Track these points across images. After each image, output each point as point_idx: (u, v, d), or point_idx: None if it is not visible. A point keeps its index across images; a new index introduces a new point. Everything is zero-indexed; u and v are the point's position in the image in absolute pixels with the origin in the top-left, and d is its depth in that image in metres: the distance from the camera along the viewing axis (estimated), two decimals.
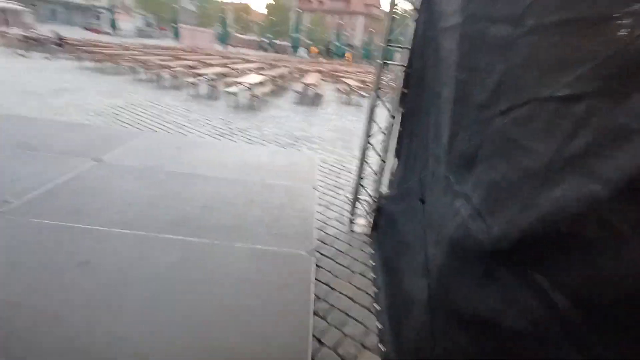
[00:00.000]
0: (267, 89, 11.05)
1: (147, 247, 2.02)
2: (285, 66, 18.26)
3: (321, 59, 49.03)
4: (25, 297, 1.45)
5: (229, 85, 10.29)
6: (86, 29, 44.03)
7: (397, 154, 3.69)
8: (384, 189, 3.99)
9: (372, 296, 3.08)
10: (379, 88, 3.65)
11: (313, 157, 4.23)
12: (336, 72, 19.98)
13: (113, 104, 8.26)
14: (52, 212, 2.21)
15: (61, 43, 16.17)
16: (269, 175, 3.41)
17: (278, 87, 13.23)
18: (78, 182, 2.72)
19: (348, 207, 4.32)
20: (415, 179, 2.90)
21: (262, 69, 15.83)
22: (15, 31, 17.13)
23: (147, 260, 1.89)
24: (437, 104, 2.60)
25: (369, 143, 3.88)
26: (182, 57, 16.39)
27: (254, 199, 2.84)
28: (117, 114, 7.44)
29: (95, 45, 15.29)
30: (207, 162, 3.52)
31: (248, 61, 18.72)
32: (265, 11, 63.69)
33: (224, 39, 34.06)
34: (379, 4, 70.61)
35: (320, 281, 3.15)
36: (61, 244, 1.92)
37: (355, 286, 3.18)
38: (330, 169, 5.97)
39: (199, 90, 11.00)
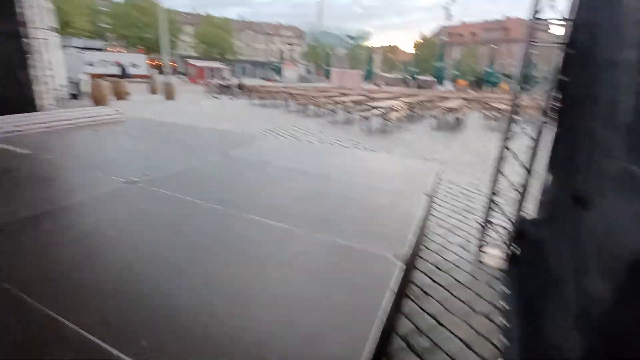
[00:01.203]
0: (401, 114, 10.78)
1: (235, 223, 2.04)
2: (424, 95, 17.68)
3: (469, 91, 45.75)
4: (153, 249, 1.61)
5: (363, 111, 10.54)
6: (262, 78, 55.05)
7: (551, 165, 2.76)
8: (530, 213, 3.04)
9: (498, 348, 2.24)
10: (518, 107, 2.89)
11: (433, 165, 3.64)
12: (484, 98, 18.04)
13: (264, 127, 9.61)
14: (171, 186, 2.49)
15: (241, 88, 20.45)
16: (379, 178, 3.07)
17: (414, 113, 12.77)
18: (203, 168, 3.05)
19: (477, 234, 3.49)
20: (574, 187, 2.02)
21: (399, 97, 15.74)
22: (214, 81, 22.73)
23: (232, 232, 1.89)
24: (615, 78, 1.78)
25: (506, 148, 3.08)
26: (326, 92, 18.02)
27: (351, 197, 2.54)
28: (264, 134, 8.57)
29: (262, 88, 18.54)
30: (314, 162, 3.47)
31: (387, 92, 19.05)
32: (412, 50, 64.81)
33: (368, 77, 36.22)
34: (548, 27, 61.76)
35: (425, 311, 2.51)
36: (170, 209, 2.10)
37: (474, 329, 2.40)
38: (461, 191, 5.11)
39: (337, 117, 11.71)
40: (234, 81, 22.94)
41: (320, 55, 58.04)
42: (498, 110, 11.52)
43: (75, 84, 13.33)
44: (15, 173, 2.70)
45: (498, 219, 3.42)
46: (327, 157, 3.88)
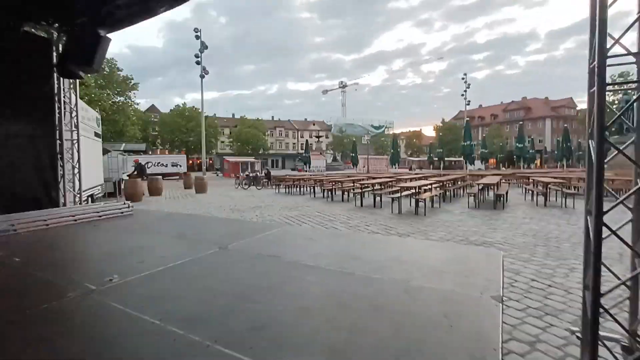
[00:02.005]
0: (434, 193, 10.03)
1: None
2: (456, 174, 17.00)
3: (502, 169, 44.69)
4: None
5: (392, 193, 9.90)
6: (292, 169, 57.68)
7: None
8: None
9: None
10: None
11: (496, 253, 2.72)
12: (522, 174, 17.01)
13: (288, 214, 9.10)
14: (133, 296, 1.80)
15: (268, 178, 20.97)
16: (422, 273, 2.22)
17: (448, 192, 11.93)
18: (188, 267, 2.38)
19: (576, 351, 2.37)
20: None
21: (427, 178, 15.15)
22: (244, 174, 23.62)
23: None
24: None
25: (605, 226, 2.18)
26: (353, 177, 17.89)
27: (384, 306, 1.71)
28: (287, 221, 7.99)
29: (288, 177, 18.82)
30: (334, 255, 2.70)
31: (416, 174, 18.62)
32: (434, 134, 66.84)
33: (395, 161, 36.59)
34: (573, 104, 62.79)
35: None
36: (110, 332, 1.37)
37: None
38: (530, 284, 3.97)
39: (364, 201, 11.10)
40: (262, 173, 23.74)
41: (346, 145, 61.06)
42: (545, 184, 10.47)
43: (113, 183, 14.09)
44: None
45: (607, 328, 2.32)
46: (352, 246, 3.10)
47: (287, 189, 16.82)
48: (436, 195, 10.24)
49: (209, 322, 1.57)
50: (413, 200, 9.09)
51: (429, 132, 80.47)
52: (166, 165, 35.51)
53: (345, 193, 12.40)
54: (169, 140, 56.62)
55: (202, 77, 38.15)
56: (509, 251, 5.33)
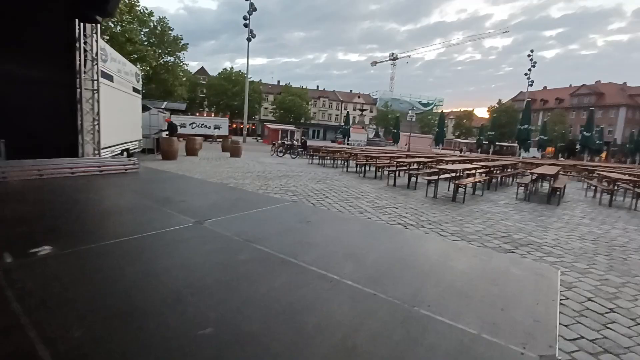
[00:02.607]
0: (477, 179, 8.97)
1: None
2: (508, 160, 15.34)
3: (561, 159, 40.56)
4: None
5: (430, 175, 8.99)
6: (332, 141, 56.89)
7: None
8: None
9: None
10: None
11: (549, 273, 1.97)
12: (584, 166, 14.95)
13: (314, 187, 8.62)
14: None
15: (304, 147, 20.48)
16: (429, 290, 1.60)
17: (494, 179, 10.70)
18: (143, 242, 1.94)
19: None
20: None
21: (473, 162, 13.77)
22: (279, 142, 23.30)
23: None
24: None
25: None
26: (391, 153, 16.84)
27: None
28: (310, 195, 7.52)
29: (324, 148, 18.14)
30: (317, 242, 2.14)
31: (462, 156, 17.12)
32: (488, 115, 61.75)
33: (440, 141, 34.36)
34: None
35: None
36: None
37: None
38: (585, 305, 3.16)
39: (398, 181, 10.27)
40: (299, 142, 23.29)
41: (390, 121, 58.54)
42: (612, 181, 8.94)
43: (152, 140, 14.41)
44: None
45: None
46: (356, 238, 2.50)
47: (320, 160, 16.30)
48: (480, 182, 9.15)
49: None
50: (453, 185, 8.14)
51: (482, 113, 74.64)
52: (209, 127, 36.31)
53: (379, 170, 11.62)
54: (215, 102, 57.93)
55: (248, 40, 37.83)
56: (560, 257, 4.43)
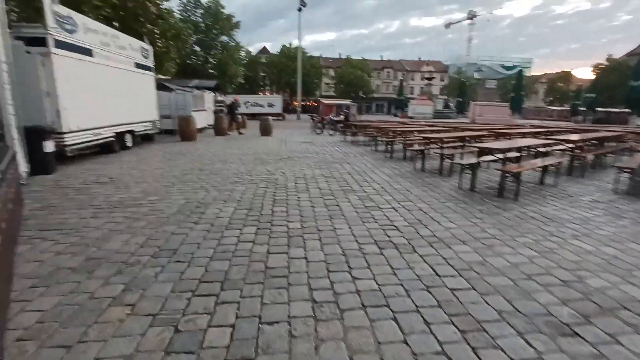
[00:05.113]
0: (547, 162, 6.02)
1: None
2: (611, 130, 11.13)
3: None
4: None
5: (470, 155, 6.31)
6: (394, 115, 52.52)
7: None
8: None
9: None
10: None
11: None
12: None
13: (312, 173, 6.67)
14: None
15: (346, 121, 18.11)
16: None
17: (581, 158, 7.38)
18: None
19: None
20: None
21: (552, 133, 10.08)
22: (316, 118, 21.08)
23: None
24: None
25: None
26: (445, 127, 13.51)
27: None
28: (296, 184, 5.64)
29: (371, 124, 15.35)
30: None
31: (541, 127, 13.10)
32: (592, 76, 50.27)
33: (515, 109, 28.52)
34: None
35: None
36: None
37: None
38: None
39: (431, 164, 7.69)
40: (343, 116, 20.86)
41: (465, 89, 51.38)
42: None
43: (174, 120, 13.72)
44: None
45: None
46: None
47: (354, 137, 14.02)
48: (554, 166, 6.15)
49: None
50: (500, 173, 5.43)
51: (586, 74, 61.48)
52: (262, 106, 35.86)
53: (407, 149, 9.01)
54: (275, 81, 57.65)
55: (299, 10, 35.66)
56: None
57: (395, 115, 50.65)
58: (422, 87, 59.87)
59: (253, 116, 28.36)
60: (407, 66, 73.33)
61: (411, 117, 39.99)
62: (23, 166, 5.46)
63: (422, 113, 42.46)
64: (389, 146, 9.19)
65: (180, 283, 2.58)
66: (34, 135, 5.99)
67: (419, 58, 76.29)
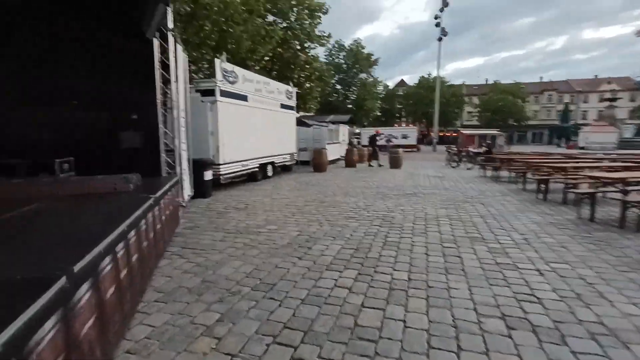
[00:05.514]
0: None
1: None
2: None
3: None
4: None
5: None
6: (557, 145, 43.60)
7: None
8: None
9: None
10: None
11: None
12: None
13: (430, 214, 5.97)
14: None
15: (487, 155, 15.95)
16: None
17: None
18: None
19: None
20: None
21: None
22: (452, 150, 19.14)
23: None
24: None
25: None
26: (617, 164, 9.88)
27: None
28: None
29: (519, 158, 13.11)
30: None
31: None
32: None
33: None
34: None
35: None
36: None
37: None
38: None
39: (606, 212, 5.70)
40: (485, 148, 18.42)
41: None
42: None
43: (310, 152, 14.97)
44: None
45: None
46: None
47: (495, 172, 12.08)
48: None
49: None
50: None
51: None
52: (397, 138, 35.75)
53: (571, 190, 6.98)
54: (411, 112, 57.02)
55: (439, 39, 34.73)
56: None
57: (559, 146, 42.08)
58: (600, 111, 48.09)
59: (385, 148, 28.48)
60: (577, 86, 60.77)
61: (582, 148, 32.48)
62: (188, 190, 6.79)
63: (600, 143, 33.88)
64: (542, 185, 7.42)
65: (266, 324, 2.52)
66: (198, 166, 7.44)
67: (596, 76, 62.25)
